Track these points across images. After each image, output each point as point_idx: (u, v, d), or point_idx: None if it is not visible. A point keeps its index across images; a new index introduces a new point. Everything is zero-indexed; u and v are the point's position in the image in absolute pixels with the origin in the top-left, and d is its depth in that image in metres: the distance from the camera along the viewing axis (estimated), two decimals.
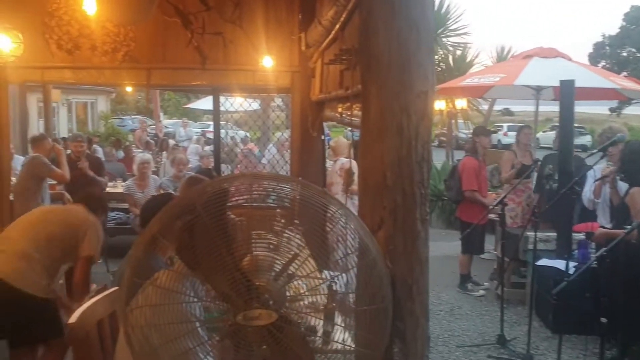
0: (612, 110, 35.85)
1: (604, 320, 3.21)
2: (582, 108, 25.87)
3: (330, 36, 3.37)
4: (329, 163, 6.44)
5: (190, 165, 8.64)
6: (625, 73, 27.72)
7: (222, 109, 6.88)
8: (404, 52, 1.68)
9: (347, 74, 2.67)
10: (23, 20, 4.70)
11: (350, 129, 4.55)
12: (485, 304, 6.16)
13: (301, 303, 1.65)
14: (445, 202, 9.70)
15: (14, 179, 6.06)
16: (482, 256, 7.27)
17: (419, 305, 1.74)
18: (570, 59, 7.95)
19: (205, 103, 16.07)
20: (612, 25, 55.80)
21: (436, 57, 13.94)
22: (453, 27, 14.63)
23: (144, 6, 3.92)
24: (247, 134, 12.86)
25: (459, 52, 15.17)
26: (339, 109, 3.40)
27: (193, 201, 1.54)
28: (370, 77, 1.76)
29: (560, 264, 4.92)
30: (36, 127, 13.69)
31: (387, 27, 1.69)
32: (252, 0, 5.01)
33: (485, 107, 16.27)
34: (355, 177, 4.58)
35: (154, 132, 17.16)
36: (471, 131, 10.65)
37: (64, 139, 10.83)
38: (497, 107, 25.49)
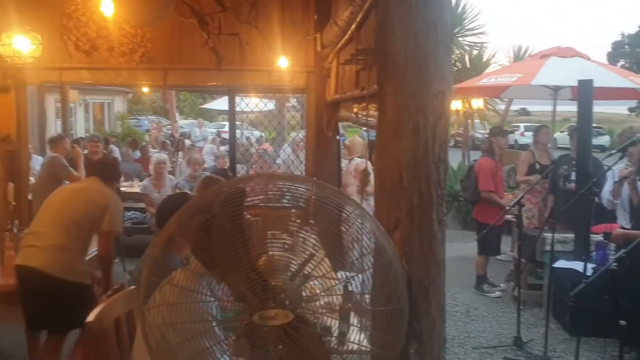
0: (631, 110, 35.41)
1: (623, 322, 3.17)
2: (600, 108, 25.62)
3: (346, 36, 3.37)
4: (344, 162, 6.43)
5: (205, 166, 8.68)
6: None
7: (237, 109, 6.93)
8: (421, 52, 1.68)
9: (363, 74, 2.66)
10: (41, 22, 4.77)
11: (365, 129, 4.54)
12: (502, 306, 6.11)
13: (317, 303, 1.65)
14: (462, 202, 9.64)
15: (32, 179, 6.15)
16: (499, 257, 7.22)
17: (435, 307, 1.73)
18: (588, 59, 7.85)
19: (220, 103, 16.16)
20: (632, 24, 55.01)
21: (452, 56, 13.87)
22: (470, 26, 14.62)
23: (160, 7, 3.96)
24: (262, 134, 12.88)
25: (475, 52, 15.12)
26: (355, 109, 3.40)
27: (210, 201, 1.55)
28: (387, 77, 1.75)
29: (578, 265, 4.86)
30: (54, 127, 13.81)
31: (403, 27, 1.69)
32: (268, 1, 5.04)
33: (502, 107, 16.13)
34: (371, 178, 4.58)
35: (170, 132, 17.27)
36: (488, 131, 10.59)
37: (81, 139, 10.92)
38: (513, 107, 25.30)
